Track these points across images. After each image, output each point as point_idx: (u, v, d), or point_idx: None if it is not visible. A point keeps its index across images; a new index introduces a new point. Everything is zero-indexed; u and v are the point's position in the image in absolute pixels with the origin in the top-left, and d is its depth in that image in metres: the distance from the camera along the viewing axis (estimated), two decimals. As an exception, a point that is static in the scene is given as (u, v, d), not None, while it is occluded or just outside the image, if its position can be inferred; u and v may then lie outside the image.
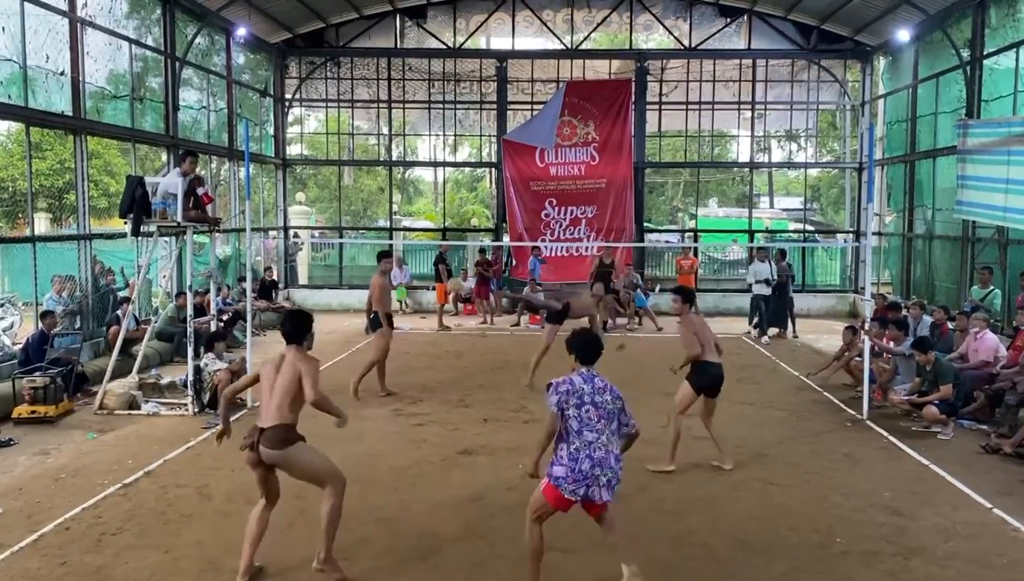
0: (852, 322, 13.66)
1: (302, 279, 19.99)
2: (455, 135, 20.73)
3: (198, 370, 9.12)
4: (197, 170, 9.73)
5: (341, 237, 20.78)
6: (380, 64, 19.06)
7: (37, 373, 8.84)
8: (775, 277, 14.68)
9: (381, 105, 19.37)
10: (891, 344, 9.81)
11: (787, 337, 14.72)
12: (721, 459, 7.17)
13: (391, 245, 18.27)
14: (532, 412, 9.14)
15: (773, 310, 14.96)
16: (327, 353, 11.04)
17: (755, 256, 15.42)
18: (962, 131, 12.88)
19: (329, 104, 19.60)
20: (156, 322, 11.21)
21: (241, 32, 15.98)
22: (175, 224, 9.02)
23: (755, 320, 14.89)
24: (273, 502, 5.06)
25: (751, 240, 19.18)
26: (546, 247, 18.05)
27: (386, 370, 9.98)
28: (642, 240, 18.92)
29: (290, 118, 20.39)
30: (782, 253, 15.18)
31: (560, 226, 18.37)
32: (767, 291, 14.49)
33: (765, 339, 14.30)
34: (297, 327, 5.09)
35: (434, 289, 17.43)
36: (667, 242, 22.74)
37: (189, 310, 9.28)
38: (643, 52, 18.92)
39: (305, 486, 6.52)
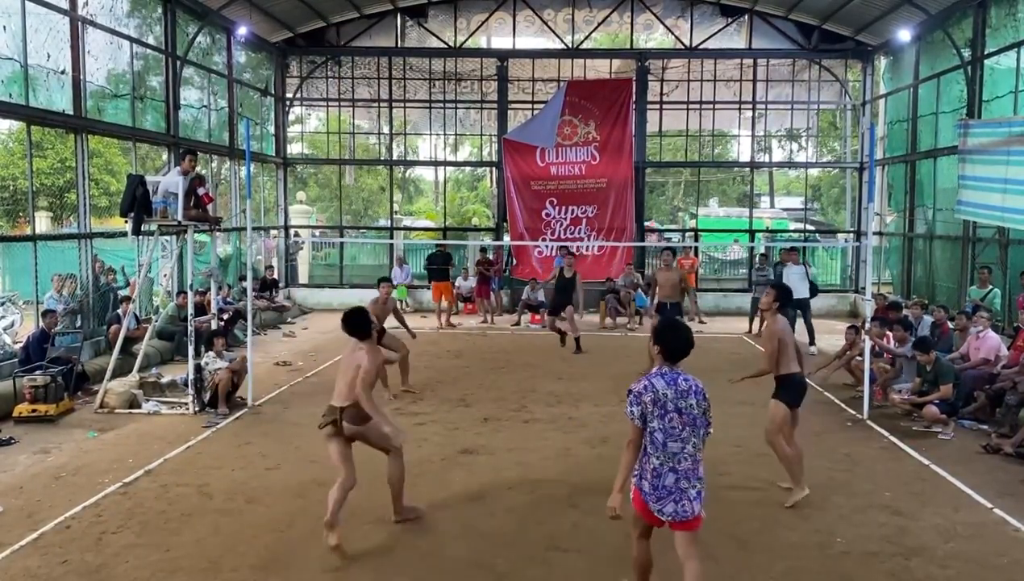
0: (853, 322, 13.65)
1: (303, 278, 19.99)
2: (456, 134, 20.75)
3: (199, 369, 9.12)
4: (197, 169, 9.73)
5: (342, 236, 20.78)
6: (381, 63, 19.05)
7: (38, 372, 8.84)
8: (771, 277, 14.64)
9: (382, 104, 19.37)
10: (896, 344, 9.82)
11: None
12: (791, 481, 6.34)
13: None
14: (532, 412, 9.14)
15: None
16: (328, 351, 11.04)
17: (787, 259, 13.87)
18: (963, 131, 12.88)
19: (330, 103, 19.60)
20: (157, 321, 11.22)
21: (242, 31, 15.98)
22: (176, 223, 9.03)
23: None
24: (351, 473, 5.43)
25: (751, 240, 19.19)
26: (546, 246, 18.05)
27: (387, 369, 9.94)
28: (642, 239, 18.92)
29: (291, 117, 20.38)
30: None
31: (561, 225, 18.36)
32: (807, 294, 13.23)
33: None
34: (356, 326, 5.62)
35: (429, 288, 17.23)
36: (667, 240, 22.73)
37: (190, 309, 9.28)
38: (644, 52, 18.91)
39: (305, 486, 6.56)
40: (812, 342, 13.22)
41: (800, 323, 13.36)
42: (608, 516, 4.12)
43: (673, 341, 4.14)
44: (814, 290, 13.67)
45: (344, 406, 5.50)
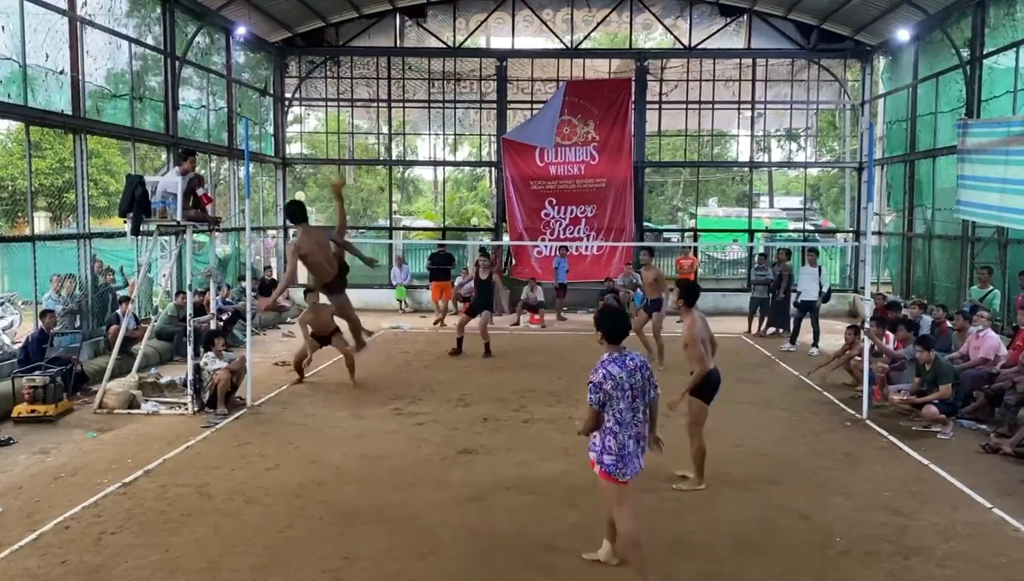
0: (852, 322, 13.65)
1: (301, 278, 19.90)
2: (455, 134, 20.73)
3: (198, 369, 9.12)
4: (196, 169, 9.73)
5: (341, 236, 20.71)
6: (380, 63, 19.05)
7: (37, 372, 8.82)
8: (773, 276, 14.68)
9: (381, 104, 19.36)
10: (897, 345, 9.82)
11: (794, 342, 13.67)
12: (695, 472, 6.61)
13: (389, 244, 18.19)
14: (532, 412, 9.14)
15: (774, 311, 14.94)
16: (327, 351, 11.03)
17: (809, 259, 13.67)
18: (962, 131, 12.88)
19: (329, 103, 19.59)
20: (156, 321, 11.21)
21: (241, 31, 15.97)
22: (175, 223, 9.02)
23: (763, 327, 14.82)
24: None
25: (751, 240, 19.19)
26: (545, 246, 18.04)
27: (385, 369, 10.01)
28: (642, 239, 18.91)
29: (290, 117, 20.38)
30: (787, 253, 15.07)
31: (560, 225, 18.36)
32: (815, 297, 13.30)
33: (789, 346, 13.40)
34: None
35: (429, 287, 17.28)
36: (666, 240, 22.73)
37: (189, 309, 9.28)
38: (643, 51, 18.91)
39: (304, 486, 6.56)
40: (815, 343, 13.23)
41: (805, 322, 13.48)
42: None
43: (610, 325, 4.69)
44: (827, 295, 13.73)
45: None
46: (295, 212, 9.01)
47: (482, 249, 17.83)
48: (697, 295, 6.59)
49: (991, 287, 11.38)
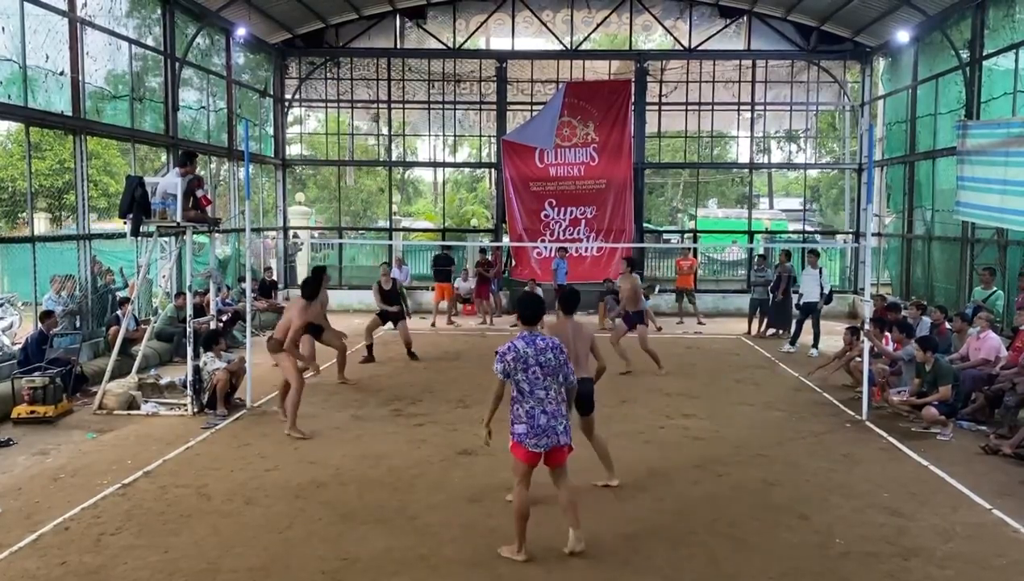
0: (852, 323, 13.65)
1: (301, 279, 19.92)
2: (455, 135, 20.74)
3: (197, 370, 9.11)
4: (196, 170, 9.73)
5: (341, 237, 20.77)
6: (380, 64, 19.05)
7: (36, 373, 8.83)
8: (772, 277, 14.69)
9: (381, 105, 19.36)
10: (894, 346, 9.81)
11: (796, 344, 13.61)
12: (608, 477, 6.60)
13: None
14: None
15: (774, 312, 14.95)
16: (326, 353, 11.02)
17: (810, 261, 13.62)
18: (961, 132, 12.88)
19: (329, 104, 19.60)
20: (155, 322, 11.21)
21: (241, 32, 15.98)
22: (175, 224, 9.02)
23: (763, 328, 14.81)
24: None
25: (750, 241, 19.19)
26: (545, 247, 18.03)
27: (385, 370, 10.01)
28: (641, 241, 18.92)
29: (290, 118, 20.40)
30: (787, 254, 15.07)
31: (560, 226, 18.36)
32: (817, 299, 13.26)
33: (789, 348, 13.38)
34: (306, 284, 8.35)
35: (433, 289, 17.35)
36: (665, 242, 22.74)
37: (188, 310, 9.28)
38: (643, 53, 18.92)
39: (304, 487, 6.56)
40: (815, 344, 13.23)
41: (806, 323, 13.48)
42: (483, 443, 5.25)
43: (525, 309, 5.19)
44: (829, 296, 13.69)
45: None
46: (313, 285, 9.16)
47: (481, 250, 17.91)
48: (574, 304, 6.41)
49: (995, 288, 11.36)
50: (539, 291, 16.47)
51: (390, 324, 12.52)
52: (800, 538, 5.64)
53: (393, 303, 12.44)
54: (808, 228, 22.13)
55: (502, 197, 18.58)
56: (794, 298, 14.20)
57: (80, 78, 11.37)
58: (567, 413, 5.14)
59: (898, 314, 11.00)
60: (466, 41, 18.81)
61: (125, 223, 8.97)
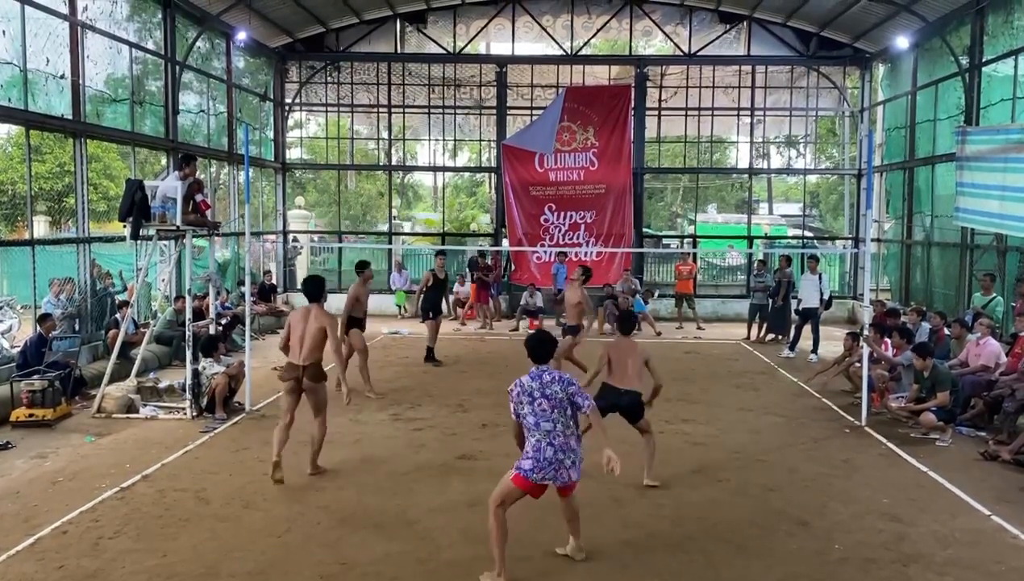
0: (851, 328, 13.65)
1: (300, 281, 19.93)
2: (455, 140, 20.76)
3: (196, 374, 9.11)
4: (196, 174, 9.73)
5: (340, 241, 20.77)
6: (380, 69, 19.08)
7: (35, 376, 8.82)
8: (772, 282, 14.70)
9: (381, 110, 19.39)
10: (894, 352, 9.81)
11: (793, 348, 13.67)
12: (648, 477, 6.76)
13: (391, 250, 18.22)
14: (531, 417, 9.12)
15: (773, 317, 14.94)
16: (325, 355, 11.01)
17: (809, 267, 13.59)
18: (961, 138, 12.89)
19: (329, 108, 19.63)
20: (155, 326, 11.20)
21: (241, 36, 15.99)
22: (174, 228, 9.02)
23: (761, 333, 14.79)
24: (293, 418, 6.83)
25: (750, 246, 19.20)
26: (544, 252, 18.05)
27: (384, 374, 10.01)
28: (641, 246, 18.93)
29: (290, 122, 20.40)
30: (787, 260, 15.07)
31: (559, 231, 18.37)
32: (816, 304, 13.23)
33: (788, 353, 13.45)
34: (315, 289, 6.94)
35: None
36: (664, 246, 22.75)
37: (188, 314, 9.28)
38: (643, 58, 18.96)
39: (302, 491, 6.55)
40: (815, 350, 13.22)
41: (805, 328, 13.46)
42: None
43: (534, 349, 5.11)
44: (828, 302, 13.66)
45: (306, 364, 6.74)
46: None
47: (480, 254, 17.91)
48: (631, 326, 7.10)
49: (994, 294, 11.35)
50: (539, 298, 16.59)
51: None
52: (799, 544, 5.63)
53: (440, 297, 12.67)
54: (807, 233, 22.14)
55: (502, 201, 18.60)
56: (793, 303, 14.21)
57: (80, 81, 11.38)
58: (577, 447, 5.02)
59: (897, 320, 11.01)
60: (466, 46, 18.84)
61: (125, 226, 8.97)
